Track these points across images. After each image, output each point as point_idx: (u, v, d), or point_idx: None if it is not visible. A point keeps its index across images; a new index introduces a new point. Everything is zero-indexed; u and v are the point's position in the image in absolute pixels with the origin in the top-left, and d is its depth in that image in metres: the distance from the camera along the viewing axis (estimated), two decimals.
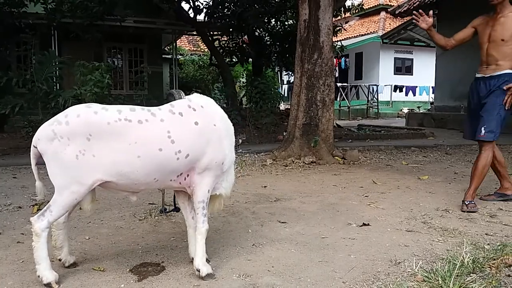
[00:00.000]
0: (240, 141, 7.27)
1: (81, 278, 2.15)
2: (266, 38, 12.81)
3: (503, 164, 3.69)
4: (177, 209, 2.73)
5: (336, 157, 6.22)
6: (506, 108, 3.35)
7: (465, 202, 3.41)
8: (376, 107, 19.09)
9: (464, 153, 7.29)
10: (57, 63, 7.66)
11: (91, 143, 1.92)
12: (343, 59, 19.55)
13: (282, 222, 3.13)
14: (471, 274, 2.03)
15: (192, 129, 2.09)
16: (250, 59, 13.00)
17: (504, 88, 3.33)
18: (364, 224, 3.06)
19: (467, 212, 3.31)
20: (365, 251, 2.52)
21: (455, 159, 6.58)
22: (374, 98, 19.18)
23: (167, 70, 18.32)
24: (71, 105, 6.67)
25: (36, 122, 7.55)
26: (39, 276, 2.00)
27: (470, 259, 2.18)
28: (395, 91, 19.90)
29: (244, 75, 17.24)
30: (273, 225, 3.08)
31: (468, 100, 3.75)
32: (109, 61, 14.54)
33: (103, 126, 1.94)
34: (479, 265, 2.13)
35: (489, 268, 2.06)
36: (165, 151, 2.00)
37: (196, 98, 2.23)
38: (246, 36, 12.52)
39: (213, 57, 12.60)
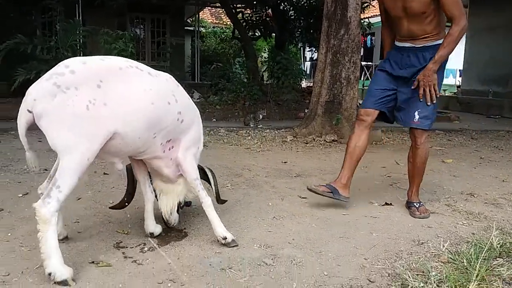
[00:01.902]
0: (261, 116, 7.25)
1: (105, 239, 2.19)
2: (291, 12, 12.53)
3: (361, 156, 3.03)
4: (188, 204, 2.62)
5: None
6: (428, 104, 2.65)
7: (415, 204, 2.81)
8: None
9: (490, 138, 7.09)
10: (81, 31, 7.65)
11: (102, 90, 1.73)
12: (369, 37, 19.06)
13: (303, 197, 3.12)
14: (498, 258, 1.99)
15: (187, 100, 2.18)
16: (273, 34, 12.77)
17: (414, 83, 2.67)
18: (386, 204, 3.02)
19: (419, 218, 2.70)
20: (387, 229, 2.49)
21: (481, 144, 6.41)
22: None
23: (189, 43, 18.22)
24: None
25: None
26: (50, 274, 1.67)
27: (498, 243, 2.13)
28: None
29: (267, 50, 16.99)
30: (294, 199, 3.07)
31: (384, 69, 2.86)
32: (132, 30, 14.54)
33: (115, 71, 1.82)
34: (506, 249, 2.08)
35: None
36: (171, 106, 1.99)
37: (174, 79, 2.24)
38: (270, 10, 12.27)
39: (235, 30, 12.44)
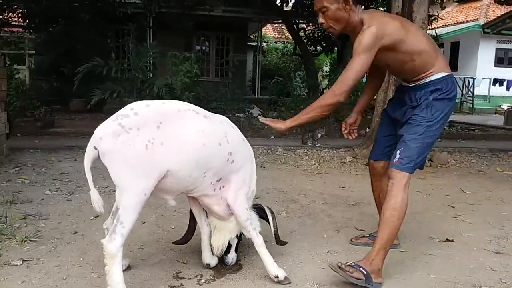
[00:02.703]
0: (319, 135, 7.22)
1: (166, 268, 2.33)
2: None
3: None
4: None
5: None
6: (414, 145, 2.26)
7: (351, 262, 2.17)
8: (471, 101, 17.64)
9: None
10: (151, 53, 8.16)
11: (160, 131, 1.88)
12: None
13: (360, 230, 3.09)
14: None
15: (240, 141, 2.26)
16: (335, 48, 12.71)
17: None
18: (447, 240, 2.91)
19: (334, 269, 2.13)
20: (446, 271, 2.40)
21: None
22: (470, 92, 17.73)
23: (251, 57, 18.62)
24: (164, 93, 7.09)
25: None
26: None
27: None
28: (494, 84, 18.18)
29: (328, 63, 16.91)
30: (350, 231, 3.05)
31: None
32: (197, 47, 15.19)
33: (174, 113, 1.97)
34: None
35: None
36: (222, 147, 2.09)
37: (230, 122, 2.35)
38: None
39: (297, 46, 12.53)
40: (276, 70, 18.18)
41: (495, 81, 18.06)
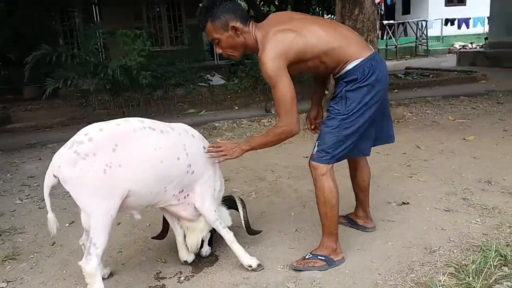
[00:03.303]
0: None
1: (146, 270, 2.48)
2: None
3: (363, 189, 2.75)
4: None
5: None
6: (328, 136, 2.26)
7: (306, 255, 2.38)
8: (425, 44, 18.08)
9: None
10: (100, 34, 7.88)
11: (116, 153, 1.94)
12: None
13: None
14: (503, 267, 2.14)
15: (200, 150, 2.31)
16: (289, 6, 12.59)
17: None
18: (403, 203, 3.17)
19: (297, 269, 2.32)
20: (402, 236, 2.66)
21: (507, 110, 6.34)
22: (423, 35, 18.13)
23: None
24: (119, 74, 6.94)
25: (88, 92, 8.00)
26: None
27: (507, 244, 2.27)
28: (446, 24, 18.65)
29: None
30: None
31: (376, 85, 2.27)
32: (148, 17, 14.67)
33: (129, 134, 2.02)
34: (510, 255, 2.21)
35: None
36: (181, 161, 2.17)
37: (192, 130, 2.41)
38: None
39: (249, 8, 12.34)
40: None
41: (447, 21, 18.49)
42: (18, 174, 4.61)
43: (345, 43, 2.22)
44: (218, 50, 2.31)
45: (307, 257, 2.37)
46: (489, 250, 2.25)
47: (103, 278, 2.24)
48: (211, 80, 9.10)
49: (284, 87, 2.14)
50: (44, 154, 5.44)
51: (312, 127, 2.77)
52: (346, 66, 2.22)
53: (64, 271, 2.51)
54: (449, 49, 18.26)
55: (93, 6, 10.90)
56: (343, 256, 2.40)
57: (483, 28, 18.36)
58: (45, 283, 2.40)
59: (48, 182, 1.96)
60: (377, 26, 6.51)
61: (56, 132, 6.96)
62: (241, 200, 2.59)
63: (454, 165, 3.98)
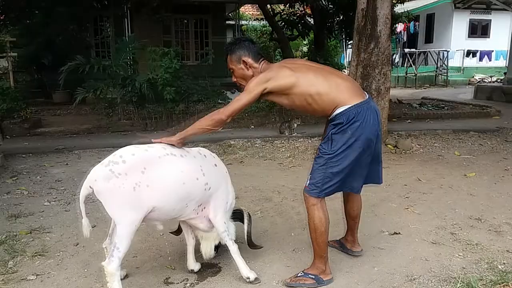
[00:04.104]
0: (295, 125, 7.67)
1: (157, 274, 2.81)
2: (329, 7, 12.68)
3: (352, 217, 3.02)
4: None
5: (389, 146, 6.43)
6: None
7: (299, 273, 2.68)
8: (445, 74, 18.23)
9: None
10: (131, 48, 8.39)
11: (145, 175, 2.28)
12: (412, 22, 18.65)
13: None
14: None
15: (212, 169, 2.65)
16: (311, 31, 13.00)
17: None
18: (395, 233, 3.44)
19: (288, 285, 2.63)
20: (388, 263, 2.93)
21: None
22: (444, 65, 18.29)
23: (231, 36, 18.76)
24: (146, 89, 7.39)
25: (114, 102, 8.49)
26: None
27: (480, 279, 2.53)
28: (467, 56, 18.81)
29: (307, 44, 17.22)
30: None
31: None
32: (176, 31, 15.28)
33: (155, 159, 2.36)
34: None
35: None
36: (199, 180, 2.52)
37: (203, 150, 2.77)
38: (308, 7, 12.49)
39: (273, 31, 12.78)
40: None
41: (468, 53, 18.63)
42: (47, 177, 5.03)
43: (335, 91, 2.52)
44: (233, 79, 2.73)
45: (299, 275, 2.68)
46: (462, 282, 2.51)
47: (120, 279, 2.60)
48: (231, 99, 9.49)
49: (243, 99, 2.50)
50: (70, 160, 5.88)
51: None
52: (335, 111, 2.51)
53: (86, 270, 2.87)
54: (469, 80, 18.36)
55: (125, 19, 11.49)
56: (332, 277, 2.69)
57: (506, 62, 18.42)
58: (69, 279, 2.75)
59: (84, 191, 2.30)
60: (390, 61, 6.79)
61: (82, 139, 7.43)
62: (249, 215, 2.90)
63: (450, 200, 4.22)
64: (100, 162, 2.36)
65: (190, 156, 2.57)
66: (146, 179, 2.31)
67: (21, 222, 3.66)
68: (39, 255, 3.05)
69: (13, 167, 5.40)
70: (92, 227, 3.49)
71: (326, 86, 2.52)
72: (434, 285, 2.62)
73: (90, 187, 2.28)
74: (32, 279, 2.73)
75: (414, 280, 2.69)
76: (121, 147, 2.47)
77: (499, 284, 2.51)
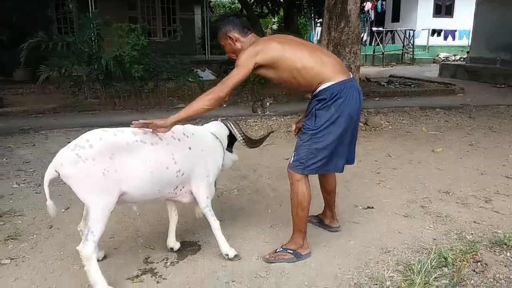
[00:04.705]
0: (268, 103, 7.66)
1: (137, 254, 2.79)
2: None
3: (328, 192, 3.10)
4: None
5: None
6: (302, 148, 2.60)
7: (277, 249, 2.74)
8: (411, 52, 18.62)
9: (488, 116, 7.45)
10: (95, 25, 8.06)
11: (112, 161, 2.22)
12: (379, 1, 18.83)
13: None
14: (444, 268, 2.52)
15: (186, 153, 2.57)
16: (281, 9, 12.91)
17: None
18: (368, 207, 3.54)
19: (268, 261, 2.67)
20: (363, 237, 3.03)
21: (476, 124, 6.79)
22: (410, 43, 18.66)
23: (199, 13, 18.37)
24: (112, 66, 7.17)
25: (80, 80, 8.20)
26: None
27: (450, 249, 2.66)
28: (433, 35, 19.24)
29: (276, 23, 17.09)
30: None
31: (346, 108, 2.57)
32: (142, 6, 14.80)
33: (123, 145, 2.29)
34: (454, 256, 2.60)
35: (460, 262, 2.53)
36: (170, 169, 2.46)
37: (189, 127, 2.72)
38: None
39: (243, 9, 12.60)
40: None
41: (433, 32, 19.04)
42: (14, 158, 4.84)
43: (320, 66, 2.55)
44: (227, 54, 2.77)
45: (277, 250, 2.73)
46: (434, 253, 2.63)
47: (98, 260, 2.56)
48: (202, 77, 9.35)
49: (238, 74, 2.49)
50: (37, 141, 5.67)
51: (294, 131, 3.07)
52: (319, 87, 2.55)
53: (62, 252, 2.81)
54: (434, 58, 18.86)
55: None
56: (310, 251, 2.76)
57: (468, 41, 18.98)
58: (45, 262, 2.69)
59: (49, 175, 2.24)
60: (360, 40, 6.86)
61: (48, 119, 7.16)
62: (234, 122, 2.90)
63: (419, 175, 4.37)
64: (68, 143, 2.29)
65: (162, 144, 2.46)
66: (114, 165, 2.24)
67: None
68: (12, 238, 2.96)
69: None
70: (66, 209, 3.47)
71: (312, 61, 2.55)
72: (408, 256, 2.73)
73: (56, 171, 2.22)
74: (7, 263, 2.66)
75: (388, 252, 2.80)
76: (89, 126, 2.42)
77: (469, 253, 2.64)
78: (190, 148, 2.62)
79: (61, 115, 7.53)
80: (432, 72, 14.63)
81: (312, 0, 12.42)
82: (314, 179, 3.24)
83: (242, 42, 2.64)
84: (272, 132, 3.00)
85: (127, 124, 2.46)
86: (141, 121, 2.37)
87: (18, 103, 8.23)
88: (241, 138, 2.86)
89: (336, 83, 2.53)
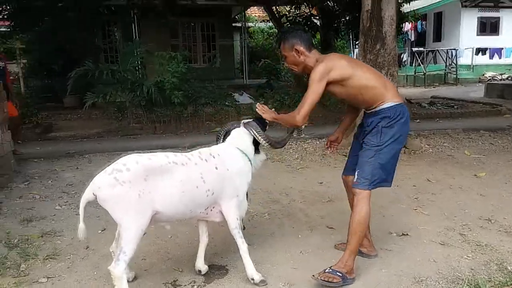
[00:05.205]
0: (303, 126, 7.63)
1: (166, 276, 2.84)
2: (336, 7, 12.64)
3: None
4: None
5: None
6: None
7: (327, 269, 2.66)
8: (455, 72, 18.06)
9: None
10: (138, 53, 8.48)
11: (147, 183, 2.34)
12: (419, 21, 18.52)
13: (330, 227, 3.60)
14: None
15: (214, 172, 2.63)
16: (318, 32, 12.97)
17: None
18: (403, 234, 3.42)
19: (317, 280, 2.62)
20: (395, 265, 2.92)
21: None
22: (453, 63, 18.13)
23: (238, 39, 18.84)
24: (153, 93, 7.49)
25: (124, 106, 8.58)
26: None
27: (485, 283, 2.51)
28: (477, 54, 18.58)
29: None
30: (322, 230, 3.56)
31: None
32: (184, 34, 15.39)
33: (157, 168, 2.41)
34: None
35: None
36: (199, 188, 2.54)
37: (216, 147, 2.79)
38: (314, 9, 12.47)
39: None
40: (263, 52, 18.44)
41: (478, 50, 18.42)
42: (58, 181, 5.10)
43: (384, 87, 2.77)
44: (286, 64, 3.00)
45: (326, 270, 2.67)
46: (469, 284, 2.50)
47: (128, 281, 2.64)
48: (238, 102, 9.53)
49: (313, 91, 2.67)
50: (81, 164, 5.95)
51: (328, 148, 3.32)
52: (382, 105, 2.74)
53: (95, 272, 2.90)
54: (480, 78, 18.16)
55: (133, 24, 11.63)
56: (354, 277, 2.71)
57: None
58: (79, 281, 2.79)
59: (86, 197, 2.34)
60: (397, 62, 6.76)
61: (92, 143, 7.52)
62: (256, 126, 2.88)
63: (459, 200, 4.19)
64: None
65: (191, 163, 2.57)
66: (148, 187, 2.35)
67: (33, 226, 3.72)
68: (51, 258, 3.10)
69: (25, 171, 5.48)
70: (102, 230, 3.60)
71: (377, 82, 2.77)
72: (441, 286, 2.61)
73: (94, 194, 2.32)
74: (44, 282, 2.78)
75: (421, 282, 2.68)
76: (131, 150, 2.53)
77: (508, 285, 2.49)
78: (216, 168, 2.66)
79: (105, 140, 7.88)
80: (477, 92, 14.08)
81: (350, 22, 12.39)
82: (346, 203, 3.19)
83: (307, 56, 2.81)
84: (294, 131, 3.04)
85: (166, 148, 2.59)
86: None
87: (66, 128, 8.70)
88: (264, 141, 2.87)
89: (398, 104, 2.75)
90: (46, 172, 5.50)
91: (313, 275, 2.66)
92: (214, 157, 2.70)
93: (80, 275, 2.87)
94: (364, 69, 2.83)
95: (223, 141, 2.91)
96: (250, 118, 3.00)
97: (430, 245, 3.23)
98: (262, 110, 2.88)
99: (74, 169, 5.64)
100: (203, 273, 2.85)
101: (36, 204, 4.31)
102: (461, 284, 2.58)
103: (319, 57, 2.80)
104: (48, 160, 6.14)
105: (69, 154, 6.52)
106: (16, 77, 11.53)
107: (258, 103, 2.92)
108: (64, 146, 7.15)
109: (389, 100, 2.74)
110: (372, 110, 2.79)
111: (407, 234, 3.42)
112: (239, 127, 2.90)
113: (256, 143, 2.90)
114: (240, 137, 2.87)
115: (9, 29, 12.33)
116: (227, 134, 2.92)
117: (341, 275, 2.63)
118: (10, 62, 10.41)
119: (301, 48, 2.78)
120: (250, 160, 2.86)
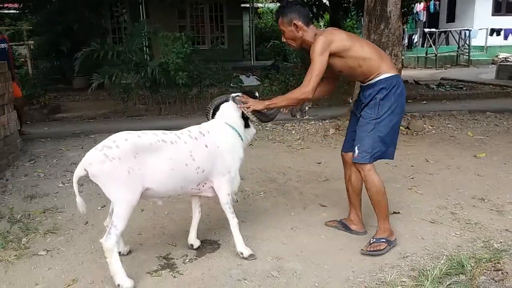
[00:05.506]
0: (307, 108, 7.61)
1: (159, 251, 2.94)
2: None
3: (357, 192, 3.15)
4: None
5: (400, 126, 6.37)
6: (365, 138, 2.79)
7: (371, 240, 2.85)
8: (467, 54, 17.71)
9: None
10: (143, 34, 8.51)
11: (137, 160, 2.40)
12: (432, 1, 18.11)
13: (323, 206, 3.67)
14: (460, 275, 2.43)
15: (204, 150, 2.68)
16: (327, 13, 12.83)
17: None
18: (394, 212, 3.47)
19: (367, 254, 2.77)
20: None
21: None
22: (466, 44, 17.76)
23: (247, 20, 18.67)
24: (157, 74, 7.55)
25: (129, 88, 8.66)
26: (118, 285, 2.41)
27: (472, 256, 2.57)
28: (491, 34, 18.13)
29: (323, 26, 16.99)
30: (314, 208, 3.63)
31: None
32: (191, 15, 15.32)
33: (147, 146, 2.46)
34: (470, 266, 2.50)
35: (478, 270, 2.43)
36: (189, 166, 2.60)
37: (206, 124, 2.82)
38: None
39: None
40: (273, 33, 18.26)
41: (492, 31, 17.97)
42: (63, 160, 5.24)
43: (381, 59, 2.82)
44: (282, 39, 2.96)
45: (371, 241, 2.82)
46: (453, 260, 2.55)
47: (123, 255, 2.76)
48: (243, 83, 9.54)
49: (318, 63, 2.69)
50: (86, 144, 6.05)
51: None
52: (378, 76, 2.79)
53: (93, 246, 3.02)
54: (493, 60, 17.78)
55: (140, 5, 11.62)
56: (395, 237, 2.88)
57: None
58: (77, 254, 2.92)
59: (78, 173, 2.43)
60: (401, 41, 6.69)
61: (98, 124, 7.66)
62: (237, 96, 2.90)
63: (455, 180, 4.20)
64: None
65: (180, 142, 2.62)
66: (137, 164, 2.41)
67: (36, 202, 3.86)
68: (51, 232, 3.23)
69: (32, 151, 5.63)
70: (102, 207, 3.72)
71: (374, 54, 2.81)
72: (425, 262, 2.66)
73: (85, 169, 2.39)
74: (43, 255, 2.91)
75: (406, 257, 2.74)
76: (136, 130, 2.58)
77: (491, 261, 2.53)
78: (206, 146, 2.71)
79: (111, 120, 8.01)
80: (488, 74, 13.83)
81: (359, 2, 12.22)
82: (341, 183, 3.25)
83: (305, 31, 2.82)
84: (299, 111, 3.12)
85: (171, 128, 2.67)
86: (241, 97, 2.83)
87: (74, 109, 8.86)
88: (252, 115, 2.87)
89: (393, 75, 2.81)
90: (51, 151, 5.64)
91: (362, 249, 2.80)
92: (204, 135, 2.74)
93: (78, 249, 3.00)
94: (361, 42, 2.89)
95: (212, 116, 2.95)
96: (240, 93, 3.01)
97: (420, 223, 3.27)
98: (250, 103, 2.82)
99: (79, 149, 5.76)
100: (195, 247, 2.94)
101: (40, 181, 4.45)
102: (444, 260, 2.63)
103: (317, 32, 2.84)
104: (54, 140, 6.29)
105: (75, 134, 6.66)
106: (25, 59, 11.69)
107: (238, 96, 2.88)
108: (71, 127, 7.30)
109: (385, 72, 2.79)
110: (368, 83, 2.84)
111: (398, 213, 3.47)
112: (228, 101, 2.93)
113: (245, 118, 2.93)
114: (229, 111, 2.89)
115: (18, 11, 12.44)
116: (216, 108, 2.95)
117: (385, 240, 2.81)
118: (18, 43, 10.53)
119: (300, 23, 2.79)
120: (240, 135, 2.90)
